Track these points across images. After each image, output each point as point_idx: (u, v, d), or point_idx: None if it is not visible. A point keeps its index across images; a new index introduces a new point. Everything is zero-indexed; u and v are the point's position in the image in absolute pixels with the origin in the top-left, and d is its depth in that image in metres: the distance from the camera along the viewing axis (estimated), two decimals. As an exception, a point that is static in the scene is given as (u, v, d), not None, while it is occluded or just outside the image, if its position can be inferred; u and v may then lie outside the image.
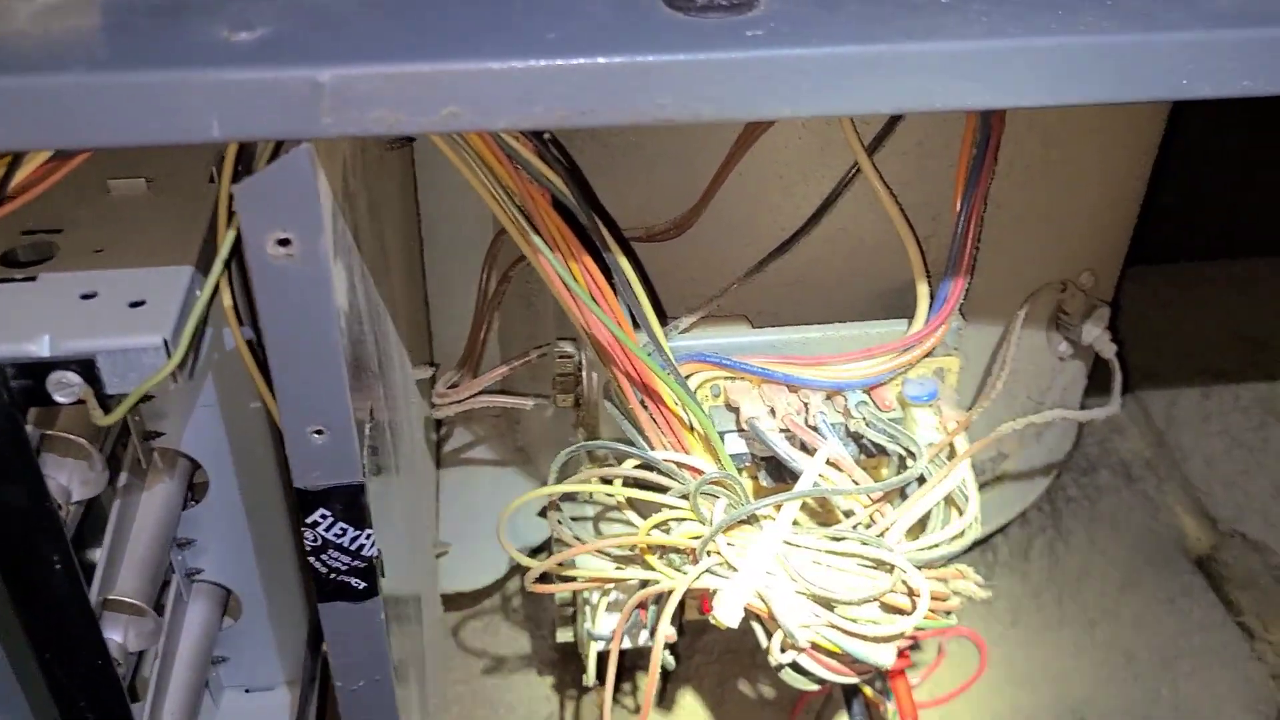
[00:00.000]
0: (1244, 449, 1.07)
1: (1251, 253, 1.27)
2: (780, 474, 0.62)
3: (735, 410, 0.62)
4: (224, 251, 0.43)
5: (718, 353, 0.62)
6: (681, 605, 0.67)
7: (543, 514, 0.60)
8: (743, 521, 0.56)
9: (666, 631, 0.60)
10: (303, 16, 0.37)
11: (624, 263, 0.52)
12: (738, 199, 0.66)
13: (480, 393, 0.69)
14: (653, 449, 0.56)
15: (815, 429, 0.61)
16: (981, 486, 0.85)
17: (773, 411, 0.62)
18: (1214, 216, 1.30)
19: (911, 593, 0.55)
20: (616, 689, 0.84)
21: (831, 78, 0.37)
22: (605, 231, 0.51)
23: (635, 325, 0.54)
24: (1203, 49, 0.38)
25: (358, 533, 0.46)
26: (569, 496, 0.73)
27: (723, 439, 0.62)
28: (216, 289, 0.45)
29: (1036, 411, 0.83)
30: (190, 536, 0.66)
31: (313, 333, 0.40)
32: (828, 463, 0.60)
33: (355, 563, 0.47)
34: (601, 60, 0.35)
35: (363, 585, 0.47)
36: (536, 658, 0.87)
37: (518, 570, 0.87)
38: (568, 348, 0.67)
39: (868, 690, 0.78)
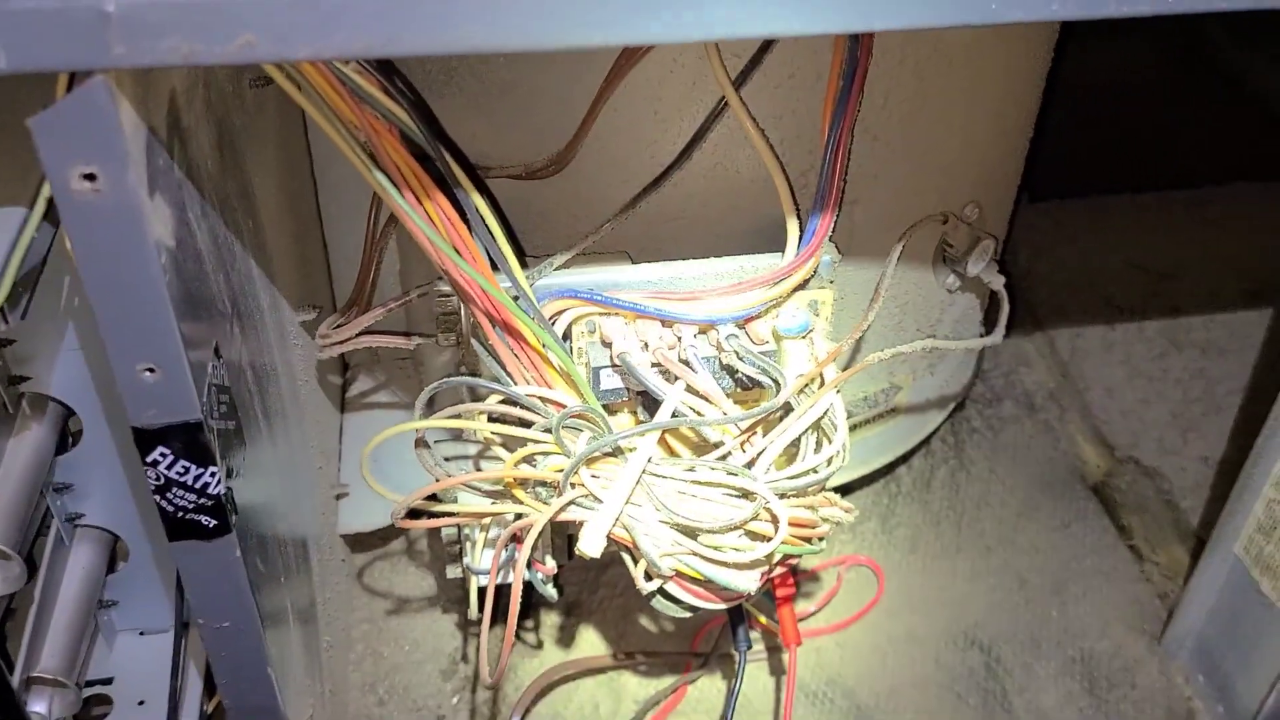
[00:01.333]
0: (1144, 378, 1.10)
1: (1154, 186, 1.29)
2: (654, 408, 0.63)
3: (609, 345, 0.62)
4: (46, 190, 0.42)
5: (591, 290, 0.62)
6: (570, 540, 0.68)
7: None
8: (609, 454, 0.57)
9: (538, 564, 0.61)
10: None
11: (478, 200, 0.52)
12: (614, 135, 0.66)
13: (362, 333, 0.69)
14: (516, 384, 0.56)
15: (686, 362, 0.62)
16: (876, 419, 0.87)
17: (645, 346, 0.62)
18: (1121, 150, 1.32)
19: (774, 520, 0.57)
20: (518, 625, 0.85)
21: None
22: (456, 168, 0.51)
23: (494, 264, 0.54)
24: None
25: (201, 470, 0.46)
26: (455, 435, 0.73)
27: (598, 374, 0.62)
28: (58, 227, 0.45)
29: (919, 340, 0.84)
30: (68, 481, 0.66)
31: (129, 268, 0.40)
32: (699, 394, 0.61)
33: (202, 500, 0.47)
34: (400, -13, 0.35)
35: (213, 523, 0.48)
36: (442, 595, 0.88)
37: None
38: (447, 286, 0.67)
39: (761, 618, 0.80)
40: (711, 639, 0.84)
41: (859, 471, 0.89)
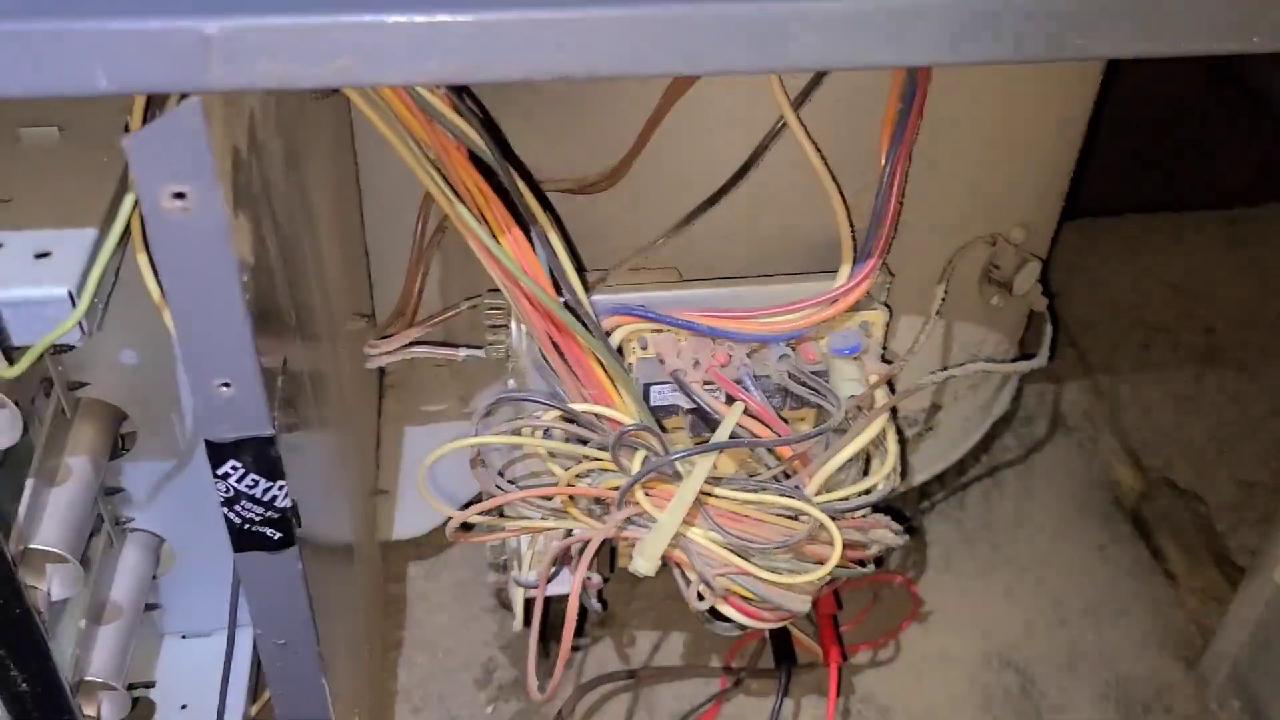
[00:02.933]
0: (1179, 399, 1.09)
1: (1189, 205, 1.29)
2: (706, 425, 0.63)
3: (662, 362, 0.63)
4: (128, 204, 0.42)
5: (644, 306, 0.63)
6: (614, 552, 0.69)
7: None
8: (663, 472, 0.57)
9: (585, 579, 0.61)
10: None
11: (543, 218, 0.52)
12: (669, 151, 0.66)
13: (411, 344, 0.69)
14: (572, 400, 0.56)
15: (739, 382, 0.62)
16: (916, 436, 0.87)
17: (697, 364, 0.63)
18: (1155, 170, 1.32)
19: (829, 541, 0.57)
20: (555, 634, 0.85)
21: (730, 33, 0.37)
22: (523, 186, 0.51)
23: (555, 281, 0.55)
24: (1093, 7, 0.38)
25: (270, 484, 0.46)
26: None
27: (648, 390, 0.63)
28: (125, 240, 0.45)
29: (971, 363, 0.84)
30: (120, 485, 0.67)
31: (213, 286, 0.40)
32: (751, 415, 0.61)
33: (269, 513, 0.47)
34: (492, 16, 0.35)
35: (278, 535, 0.48)
36: (476, 603, 0.89)
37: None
38: (498, 299, 0.67)
39: (798, 633, 0.80)
40: (746, 654, 0.84)
41: (894, 492, 0.89)
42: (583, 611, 0.80)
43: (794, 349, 0.64)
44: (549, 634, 0.85)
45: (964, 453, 0.94)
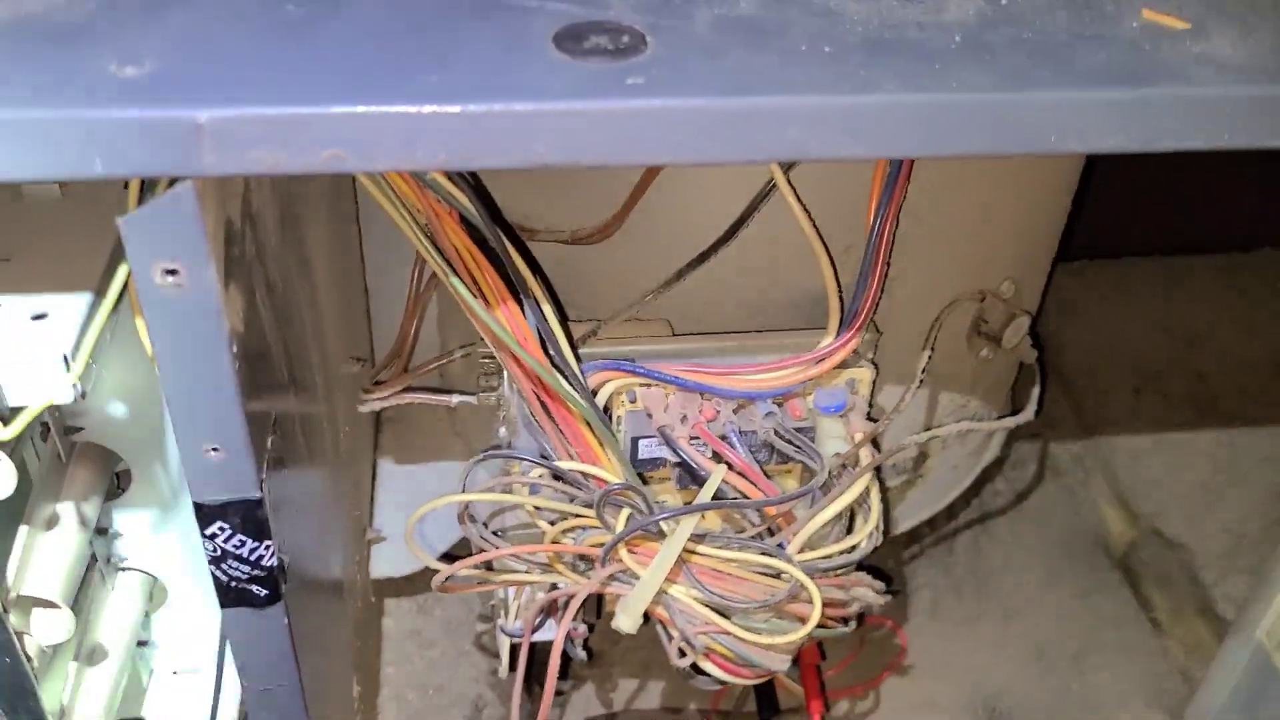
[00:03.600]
0: (1170, 446, 1.10)
1: (1183, 250, 1.30)
2: (692, 478, 0.64)
3: (649, 416, 0.63)
4: (124, 271, 0.43)
5: (633, 361, 0.63)
6: (600, 599, 0.69)
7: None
8: (647, 530, 0.58)
9: (568, 631, 0.62)
10: (193, 49, 0.38)
11: (533, 284, 0.53)
12: (662, 206, 0.67)
13: (405, 389, 0.70)
14: (559, 458, 0.57)
15: (724, 438, 0.63)
16: (904, 483, 0.88)
17: (684, 419, 0.64)
18: (1146, 214, 1.32)
19: (809, 600, 0.57)
20: (541, 677, 0.86)
21: (706, 129, 0.38)
22: (514, 251, 0.52)
23: (544, 342, 0.56)
24: (1069, 108, 0.39)
25: (257, 544, 0.47)
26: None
27: (636, 444, 0.64)
28: (121, 299, 0.46)
29: (960, 417, 0.85)
30: (113, 526, 0.67)
31: (203, 357, 0.41)
32: (736, 472, 0.62)
33: (256, 572, 0.48)
34: (477, 108, 0.36)
35: (264, 593, 0.49)
36: (466, 639, 0.89)
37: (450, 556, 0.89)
38: (488, 347, 0.68)
39: (784, 679, 0.81)
40: (730, 698, 0.84)
41: (883, 538, 0.90)
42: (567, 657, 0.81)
43: (780, 405, 0.65)
44: (535, 677, 0.86)
45: (952, 499, 0.95)
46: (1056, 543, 1.00)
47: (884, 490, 0.84)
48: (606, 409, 0.64)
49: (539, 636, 0.66)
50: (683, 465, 0.64)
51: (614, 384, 0.63)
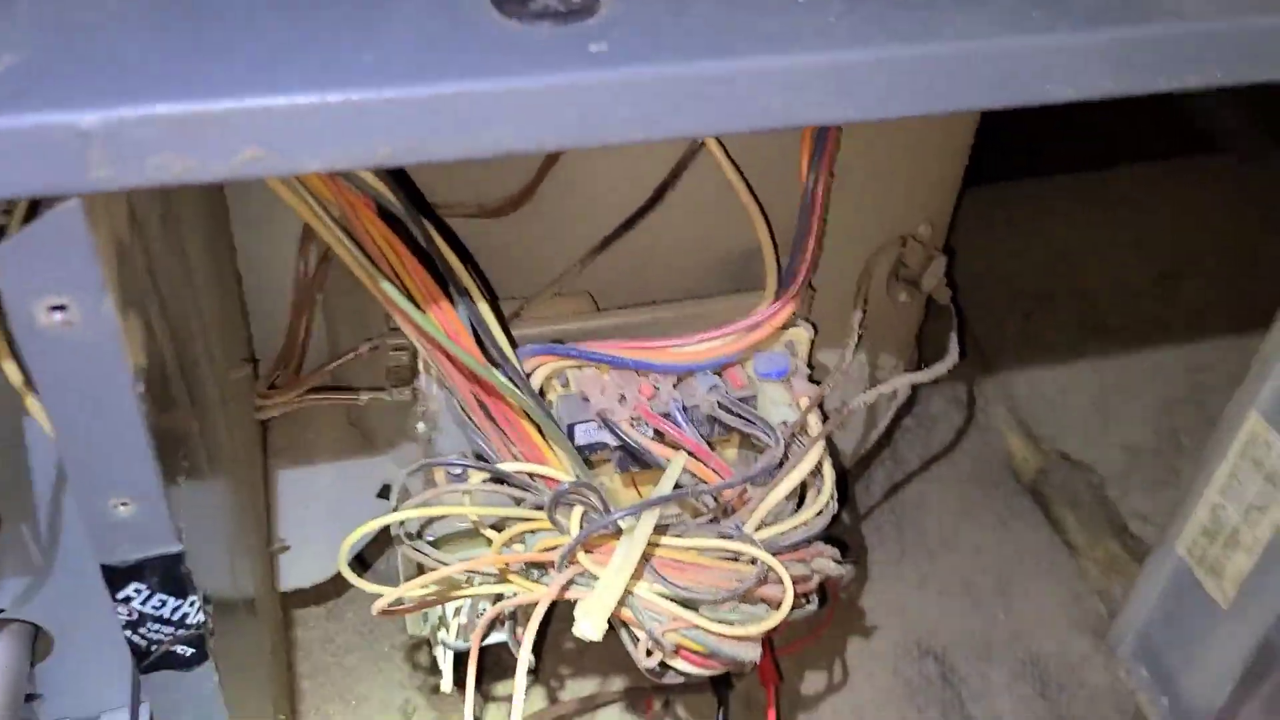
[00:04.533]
0: (1064, 367, 1.12)
1: (1063, 170, 1.31)
2: (635, 460, 0.60)
3: (586, 400, 0.59)
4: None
5: (564, 343, 0.59)
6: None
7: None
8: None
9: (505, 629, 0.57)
10: (61, 36, 0.31)
11: (464, 274, 0.48)
12: (579, 170, 0.62)
13: (307, 392, 0.63)
14: (502, 459, 0.52)
15: (667, 415, 0.59)
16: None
17: (623, 399, 0.59)
18: (1025, 136, 1.34)
19: (776, 581, 0.54)
20: (483, 681, 0.82)
21: (686, 99, 0.33)
22: (439, 240, 0.46)
23: (476, 333, 0.50)
24: (1066, 52, 0.36)
25: (179, 602, 0.41)
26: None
27: (573, 430, 0.59)
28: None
29: (874, 360, 0.84)
30: (-15, 577, 0.59)
31: (105, 403, 0.34)
32: (687, 451, 0.58)
33: (180, 632, 0.42)
34: (426, 92, 0.31)
35: (190, 652, 0.43)
36: (385, 640, 0.84)
37: (359, 559, 0.83)
38: (399, 338, 0.62)
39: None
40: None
41: (809, 487, 0.88)
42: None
43: (721, 376, 0.62)
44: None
45: (870, 444, 0.94)
46: (969, 475, 1.01)
47: (835, 455, 0.82)
48: (540, 396, 0.59)
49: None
50: (624, 449, 0.60)
51: (545, 369, 0.58)
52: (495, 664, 0.82)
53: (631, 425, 0.59)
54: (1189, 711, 0.82)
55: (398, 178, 0.46)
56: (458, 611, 0.58)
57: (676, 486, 0.55)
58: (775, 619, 0.53)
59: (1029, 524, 0.98)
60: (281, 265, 0.69)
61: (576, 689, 0.81)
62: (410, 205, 0.45)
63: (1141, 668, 0.86)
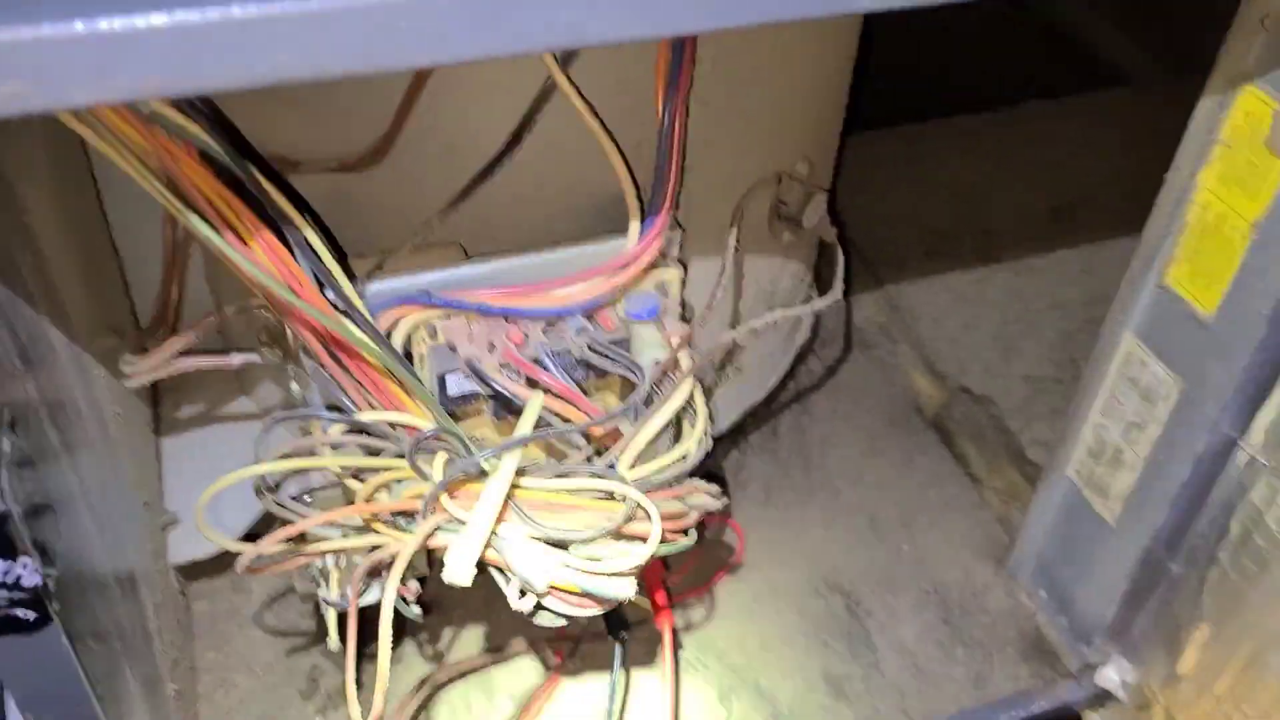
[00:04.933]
0: (964, 303, 1.13)
1: (956, 111, 1.33)
2: (508, 409, 0.60)
3: (454, 350, 0.59)
4: None
5: (427, 291, 0.58)
6: (430, 550, 0.65)
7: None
8: (467, 473, 0.54)
9: (396, 593, 0.57)
10: None
11: (299, 219, 0.47)
12: (436, 119, 0.61)
13: (176, 357, 0.62)
14: (359, 410, 0.52)
15: (536, 361, 0.59)
16: (721, 380, 0.87)
17: (492, 347, 0.59)
18: (917, 79, 1.35)
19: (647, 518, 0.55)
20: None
21: (468, 20, 0.33)
22: (268, 185, 0.46)
23: (320, 282, 0.50)
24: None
25: (11, 563, 0.40)
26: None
27: (444, 381, 0.59)
28: None
29: (769, 303, 0.84)
30: None
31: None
32: (555, 395, 0.58)
33: (16, 594, 0.41)
34: (191, 16, 0.30)
35: (33, 616, 0.42)
36: (292, 608, 0.83)
37: (264, 524, 0.82)
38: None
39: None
40: (579, 623, 0.82)
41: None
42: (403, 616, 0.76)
43: (591, 319, 0.62)
44: (370, 641, 0.81)
45: (772, 386, 0.95)
46: (874, 413, 1.02)
47: (707, 392, 0.82)
48: (406, 349, 0.58)
49: (366, 600, 0.61)
50: (496, 397, 0.60)
51: (410, 320, 0.58)
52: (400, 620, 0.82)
53: (501, 372, 0.59)
54: (1086, 630, 0.84)
55: (218, 121, 0.45)
56: (338, 567, 0.58)
57: (541, 427, 0.54)
58: (644, 553, 0.53)
59: (933, 459, 0.99)
60: (154, 231, 0.68)
61: (483, 641, 0.82)
62: (232, 148, 0.44)
63: (1040, 590, 0.88)
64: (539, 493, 0.54)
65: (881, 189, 1.25)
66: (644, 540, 0.55)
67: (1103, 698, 0.84)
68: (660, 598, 0.72)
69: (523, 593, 0.54)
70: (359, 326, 0.50)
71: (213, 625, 0.82)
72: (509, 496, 0.53)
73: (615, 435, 0.58)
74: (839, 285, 0.73)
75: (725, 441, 0.99)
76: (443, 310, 0.58)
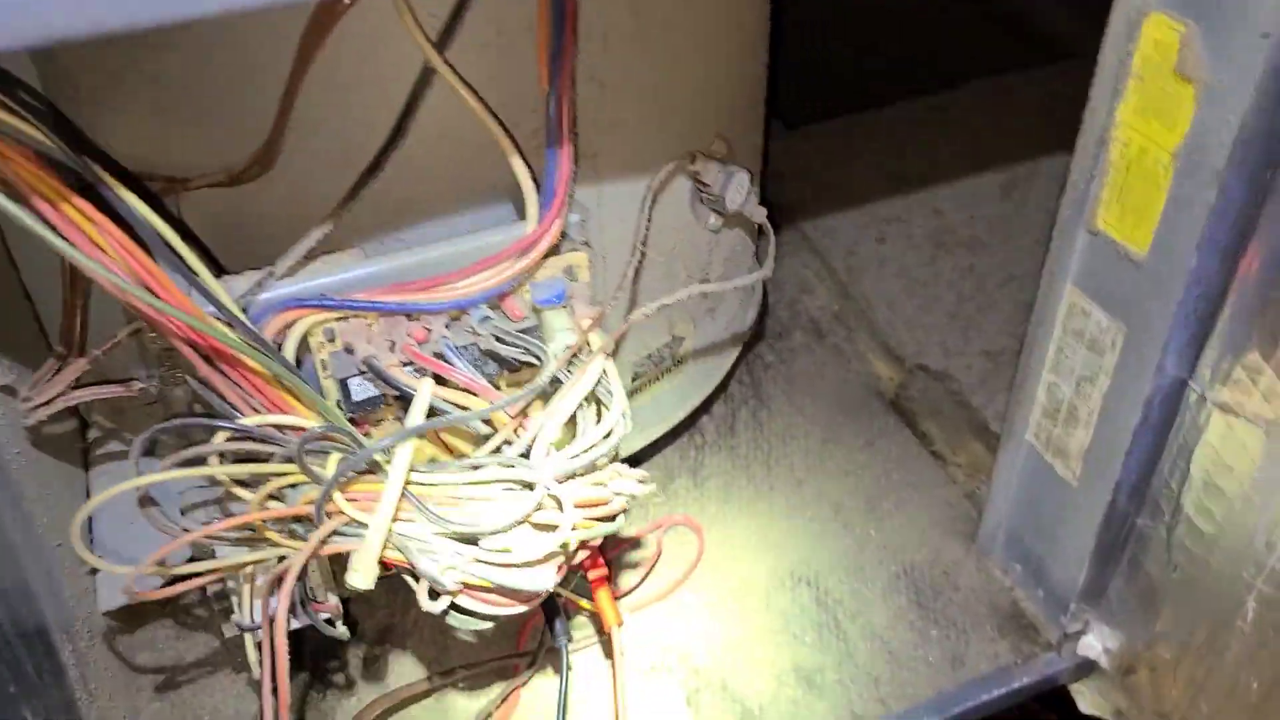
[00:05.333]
0: (919, 285, 1.11)
1: (899, 97, 1.32)
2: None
3: (352, 352, 0.57)
4: None
5: (322, 295, 0.56)
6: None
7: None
8: (367, 472, 0.51)
9: (316, 604, 0.55)
10: None
11: (152, 218, 0.45)
12: (322, 120, 0.59)
13: (73, 388, 0.60)
14: (243, 416, 0.50)
15: (438, 356, 0.57)
16: (665, 373, 0.84)
17: (393, 346, 0.57)
18: (857, 68, 1.34)
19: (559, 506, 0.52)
20: (323, 667, 0.79)
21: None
22: (117, 184, 0.44)
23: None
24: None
25: None
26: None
27: (347, 386, 0.57)
28: None
29: (685, 288, 0.82)
30: None
31: None
32: (459, 389, 0.56)
33: None
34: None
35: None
36: (238, 652, 0.80)
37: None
38: (160, 319, 0.59)
39: (583, 603, 0.76)
40: (537, 634, 0.79)
41: (660, 429, 0.86)
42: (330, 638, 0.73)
43: (497, 309, 0.59)
44: (316, 671, 0.78)
45: (722, 377, 0.92)
46: (833, 402, 1.00)
47: (651, 386, 0.80)
48: (300, 357, 0.56)
49: (299, 624, 0.58)
50: (401, 397, 0.57)
51: (303, 324, 0.56)
52: (340, 645, 0.79)
53: (401, 370, 0.56)
54: (1063, 599, 0.81)
55: (57, 122, 0.43)
56: (249, 582, 0.55)
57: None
58: (556, 540, 0.50)
59: (895, 441, 0.97)
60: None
61: (444, 661, 0.79)
62: (72, 146, 0.42)
63: (1013, 562, 0.86)
64: (445, 487, 0.52)
65: (830, 181, 1.23)
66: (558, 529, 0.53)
67: (1086, 668, 0.81)
68: (604, 602, 0.69)
69: (436, 595, 0.51)
70: (231, 327, 0.48)
71: (155, 675, 0.79)
72: (413, 495, 0.51)
73: (520, 421, 0.55)
74: (769, 262, 0.72)
75: (682, 441, 0.96)
76: (338, 312, 0.56)
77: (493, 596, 0.52)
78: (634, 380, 0.80)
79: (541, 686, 0.78)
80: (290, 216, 0.62)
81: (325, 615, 0.57)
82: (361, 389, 0.57)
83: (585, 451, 0.55)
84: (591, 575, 0.70)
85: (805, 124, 1.30)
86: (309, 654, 0.79)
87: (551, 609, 0.67)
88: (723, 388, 0.98)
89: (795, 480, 0.93)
